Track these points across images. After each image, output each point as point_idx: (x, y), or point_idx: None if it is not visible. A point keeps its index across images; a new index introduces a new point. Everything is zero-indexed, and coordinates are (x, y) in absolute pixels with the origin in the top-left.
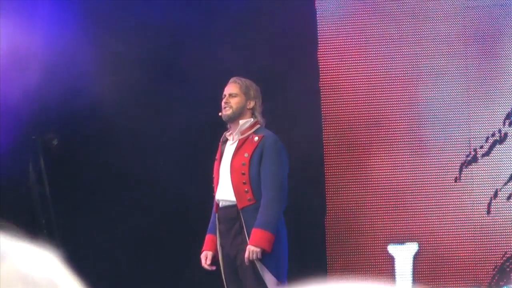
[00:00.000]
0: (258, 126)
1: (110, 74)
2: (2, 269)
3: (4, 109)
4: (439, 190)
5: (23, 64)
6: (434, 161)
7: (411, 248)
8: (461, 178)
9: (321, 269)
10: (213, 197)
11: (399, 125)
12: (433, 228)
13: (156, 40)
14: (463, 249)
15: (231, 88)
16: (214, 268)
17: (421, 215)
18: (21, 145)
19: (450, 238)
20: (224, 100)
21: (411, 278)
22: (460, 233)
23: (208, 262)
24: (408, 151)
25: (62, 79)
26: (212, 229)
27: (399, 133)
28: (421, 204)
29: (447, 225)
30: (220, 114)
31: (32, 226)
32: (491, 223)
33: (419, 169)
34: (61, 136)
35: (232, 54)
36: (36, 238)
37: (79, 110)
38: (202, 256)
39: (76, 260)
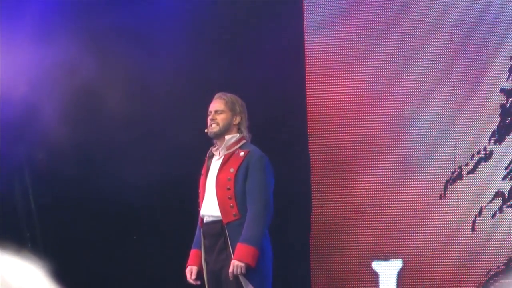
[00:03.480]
0: (244, 141)
1: (98, 91)
2: None
3: None
4: (424, 207)
5: (10, 81)
6: (419, 178)
7: (396, 264)
8: (446, 195)
9: (305, 285)
10: (198, 212)
11: (385, 142)
12: (417, 245)
13: (139, 55)
14: (447, 266)
15: (217, 104)
16: (199, 282)
17: (406, 232)
18: (7, 159)
19: (434, 255)
20: (210, 117)
21: None
22: (444, 250)
23: (193, 277)
24: (393, 168)
25: (49, 96)
26: (197, 244)
27: (385, 150)
28: (406, 221)
29: (431, 242)
30: (206, 131)
31: (17, 240)
32: (475, 241)
33: (404, 186)
34: (47, 150)
35: (218, 69)
36: (21, 251)
37: (66, 123)
38: (187, 271)
39: (61, 274)
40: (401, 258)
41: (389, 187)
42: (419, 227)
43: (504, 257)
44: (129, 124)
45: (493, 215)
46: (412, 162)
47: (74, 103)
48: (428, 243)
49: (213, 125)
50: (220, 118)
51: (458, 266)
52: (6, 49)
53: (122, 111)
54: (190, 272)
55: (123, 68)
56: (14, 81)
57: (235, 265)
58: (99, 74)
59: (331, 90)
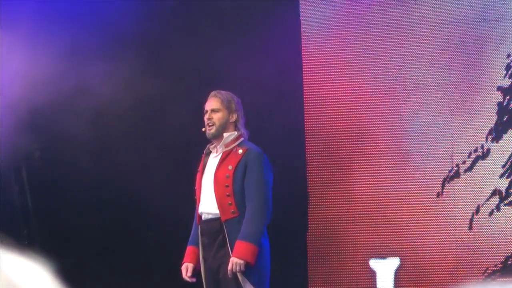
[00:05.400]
0: (242, 139)
1: (94, 86)
2: None
3: None
4: (421, 205)
5: (8, 80)
6: (416, 176)
7: (393, 263)
8: (444, 193)
9: (302, 284)
10: (195, 208)
11: (382, 139)
12: (415, 243)
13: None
14: (444, 264)
15: (213, 103)
16: (194, 280)
17: (403, 230)
18: (4, 157)
19: (431, 253)
20: (206, 117)
21: None
22: (441, 248)
23: (189, 274)
24: (390, 166)
25: (47, 95)
26: (193, 241)
27: (382, 148)
28: (403, 219)
29: (429, 240)
30: (203, 130)
31: (14, 238)
32: (473, 239)
33: (402, 184)
34: (44, 148)
35: (215, 67)
36: (18, 250)
37: (64, 120)
38: (183, 268)
39: (58, 272)
40: (399, 256)
41: (386, 185)
42: (416, 225)
43: (502, 255)
44: (129, 122)
45: (491, 213)
46: (410, 160)
47: (72, 102)
48: (425, 241)
49: (210, 126)
50: (217, 117)
51: (455, 265)
52: (5, 50)
53: (122, 109)
54: (186, 269)
55: (121, 67)
56: (13, 80)
57: (234, 262)
58: (96, 74)
59: (328, 87)
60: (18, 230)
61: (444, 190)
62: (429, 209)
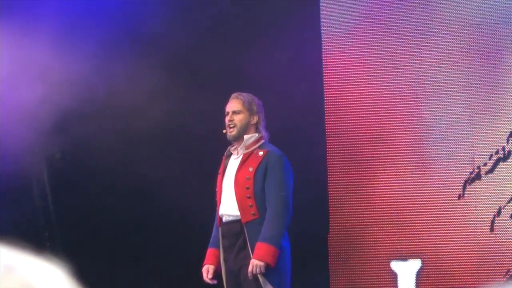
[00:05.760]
0: (262, 141)
1: (113, 88)
2: (10, 281)
3: (7, 123)
4: (442, 207)
5: (24, 80)
6: (437, 178)
7: (414, 265)
8: (465, 195)
9: (324, 286)
10: (215, 210)
11: (403, 141)
12: (436, 245)
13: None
14: (466, 266)
15: (234, 105)
16: (215, 282)
17: (425, 232)
18: (25, 159)
19: (453, 255)
20: (228, 118)
21: None
22: (463, 250)
23: (210, 276)
24: (411, 168)
25: (64, 94)
26: (214, 243)
27: (403, 150)
28: (424, 221)
29: (450, 242)
30: (224, 131)
31: (35, 240)
32: (494, 241)
33: (423, 186)
34: (64, 149)
35: (235, 69)
36: (39, 251)
37: (82, 123)
38: (204, 270)
39: (79, 274)
40: (420, 258)
41: (407, 187)
42: (437, 227)
43: None
44: (149, 124)
45: None
46: (431, 162)
47: (94, 104)
48: (446, 243)
49: (232, 127)
50: (238, 118)
51: (476, 267)
52: (29, 51)
53: (142, 111)
54: (207, 271)
55: (145, 69)
56: (35, 81)
57: (255, 264)
58: (119, 77)
59: (349, 90)
60: (40, 232)
61: (465, 192)
62: (450, 211)
